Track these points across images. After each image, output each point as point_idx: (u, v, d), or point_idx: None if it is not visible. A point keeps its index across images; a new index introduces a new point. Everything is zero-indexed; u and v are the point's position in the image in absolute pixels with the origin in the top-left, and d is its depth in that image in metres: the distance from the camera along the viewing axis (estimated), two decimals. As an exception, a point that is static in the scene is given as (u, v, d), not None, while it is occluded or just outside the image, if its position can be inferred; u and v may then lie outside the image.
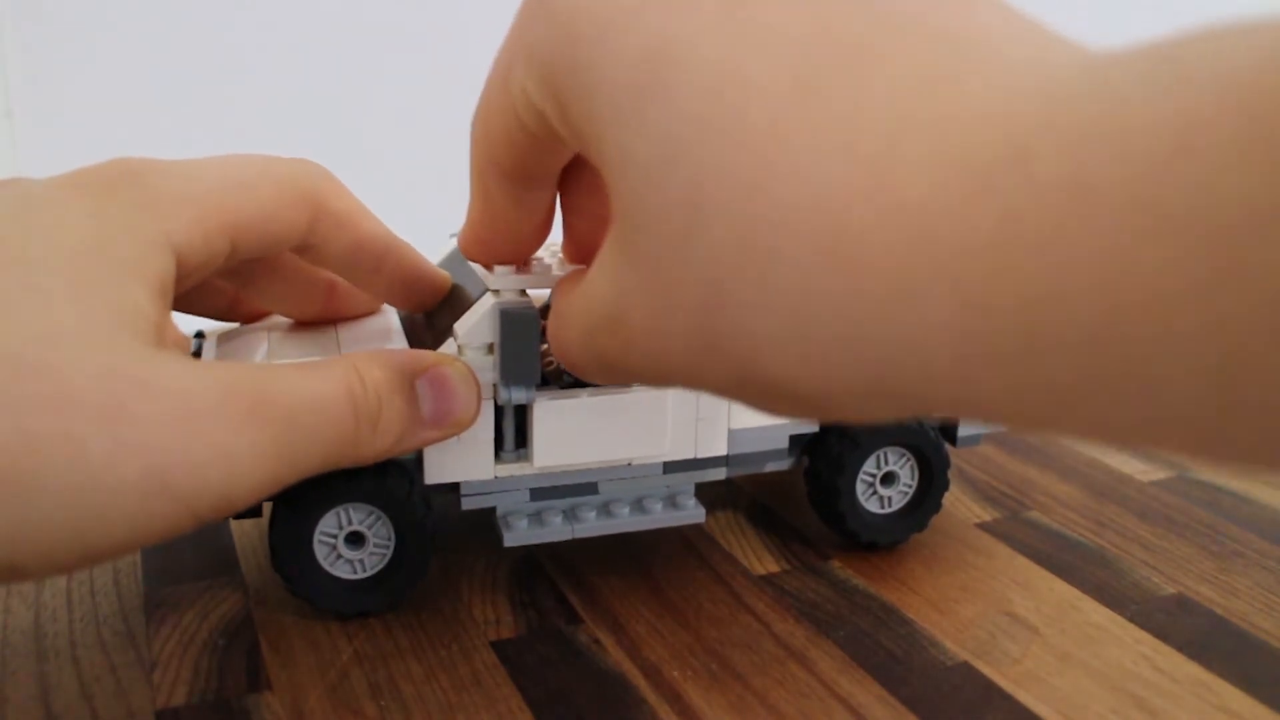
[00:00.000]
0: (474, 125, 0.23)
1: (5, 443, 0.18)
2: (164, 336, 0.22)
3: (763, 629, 0.30)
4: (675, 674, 0.28)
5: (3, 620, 0.29)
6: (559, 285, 0.23)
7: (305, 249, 0.27)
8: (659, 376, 0.19)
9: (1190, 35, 0.12)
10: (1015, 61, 0.14)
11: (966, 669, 0.28)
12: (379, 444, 0.24)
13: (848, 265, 0.14)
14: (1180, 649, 0.29)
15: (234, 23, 0.63)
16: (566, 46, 0.18)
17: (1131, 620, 0.31)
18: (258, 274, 0.29)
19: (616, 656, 0.29)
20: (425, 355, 0.26)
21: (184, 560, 0.33)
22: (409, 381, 0.25)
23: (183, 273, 0.23)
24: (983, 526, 0.36)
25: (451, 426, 0.25)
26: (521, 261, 0.28)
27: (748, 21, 0.16)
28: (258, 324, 0.32)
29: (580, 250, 0.27)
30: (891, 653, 0.29)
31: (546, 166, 0.23)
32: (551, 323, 0.23)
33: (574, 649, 0.29)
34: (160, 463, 0.19)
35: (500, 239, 0.25)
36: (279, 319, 0.32)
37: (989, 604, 0.32)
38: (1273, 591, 0.32)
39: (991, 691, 0.28)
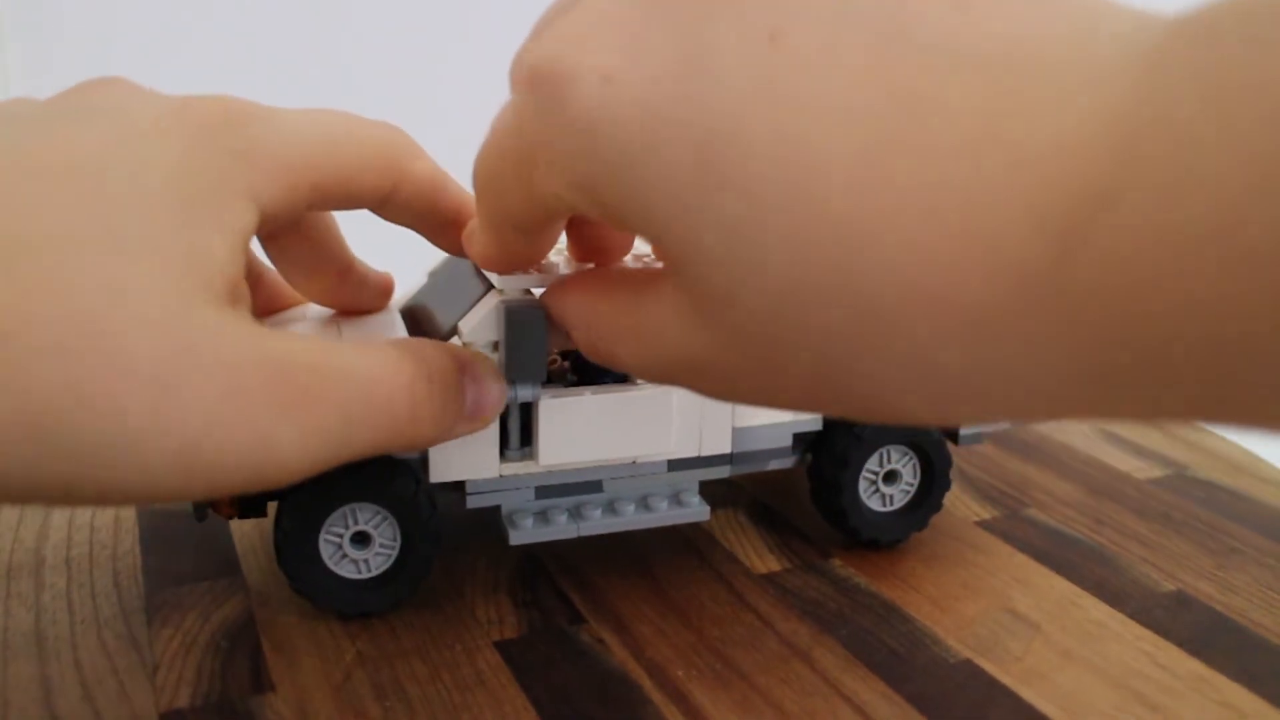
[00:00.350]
0: (482, 183, 0.22)
1: (51, 389, 0.18)
2: (236, 290, 0.21)
3: (765, 628, 0.30)
4: (679, 673, 0.28)
5: (3, 622, 0.29)
6: (583, 285, 0.23)
7: (381, 208, 0.26)
8: (741, 401, 0.20)
9: (1226, 47, 0.12)
10: (1070, 85, 0.14)
11: (969, 666, 0.29)
12: (431, 434, 0.23)
13: (968, 332, 0.15)
14: (1181, 645, 0.30)
15: (235, 23, 0.63)
16: (607, 158, 0.17)
17: (1132, 617, 0.31)
18: (287, 230, 0.28)
19: (620, 656, 0.29)
20: (467, 350, 0.26)
21: (184, 561, 0.32)
22: (463, 375, 0.24)
23: (261, 226, 0.23)
24: (982, 524, 0.36)
25: (481, 423, 0.25)
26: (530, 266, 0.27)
27: (789, 90, 0.15)
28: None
29: (588, 253, 0.27)
30: (894, 650, 0.29)
31: (564, 217, 0.22)
32: (590, 326, 0.23)
33: (577, 649, 0.29)
34: (195, 442, 0.19)
35: (513, 265, 0.25)
36: (281, 315, 0.32)
37: (990, 601, 0.32)
38: (1271, 588, 0.33)
39: (995, 689, 0.28)
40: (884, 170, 0.14)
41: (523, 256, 0.24)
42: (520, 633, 0.30)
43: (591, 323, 0.23)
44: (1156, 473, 0.41)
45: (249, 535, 0.34)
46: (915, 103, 0.15)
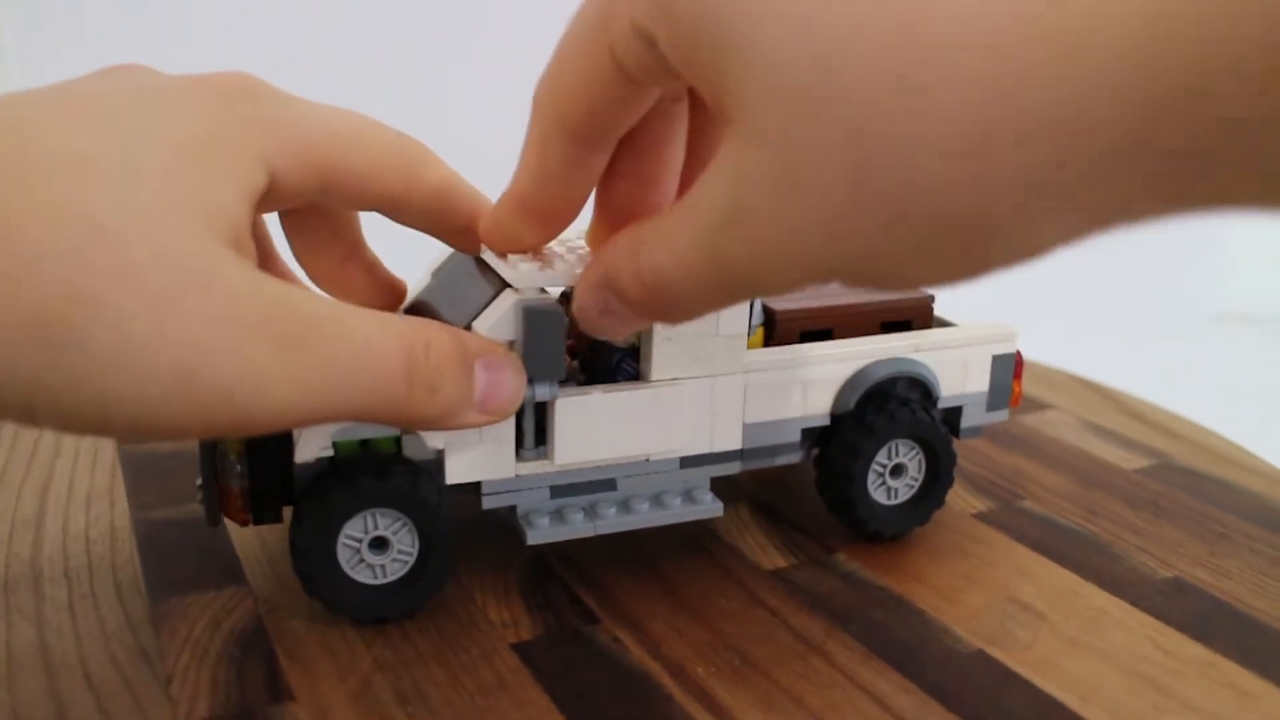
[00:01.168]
0: (542, 85, 0.23)
1: (61, 294, 0.19)
2: (241, 240, 0.22)
3: (779, 623, 0.30)
4: (699, 670, 0.28)
5: (5, 636, 0.28)
6: (624, 229, 0.23)
7: (395, 213, 0.27)
8: (788, 263, 0.19)
9: None
10: None
11: (982, 656, 0.29)
12: (431, 411, 0.23)
13: (1010, 85, 0.15)
14: (1182, 630, 0.30)
15: (236, 23, 0.62)
16: None
17: (1132, 604, 0.32)
18: (303, 206, 0.28)
19: (638, 655, 0.29)
20: (484, 339, 0.25)
21: (186, 570, 0.32)
22: (470, 360, 0.24)
23: (271, 194, 0.24)
24: (979, 516, 0.37)
25: (495, 414, 0.25)
26: (553, 237, 0.27)
27: None
28: None
29: (610, 226, 0.27)
30: (908, 643, 0.30)
31: (619, 121, 0.23)
32: (634, 251, 0.22)
33: (595, 649, 0.29)
34: (192, 361, 0.19)
35: (548, 204, 0.25)
36: None
37: (994, 592, 0.32)
38: (1263, 573, 0.34)
39: (1009, 678, 0.28)
40: None
41: (560, 190, 0.24)
42: (536, 634, 0.30)
43: (636, 247, 0.22)
44: (1142, 462, 0.42)
45: (249, 543, 0.34)
46: None
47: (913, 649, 0.29)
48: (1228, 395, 1.20)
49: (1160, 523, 0.37)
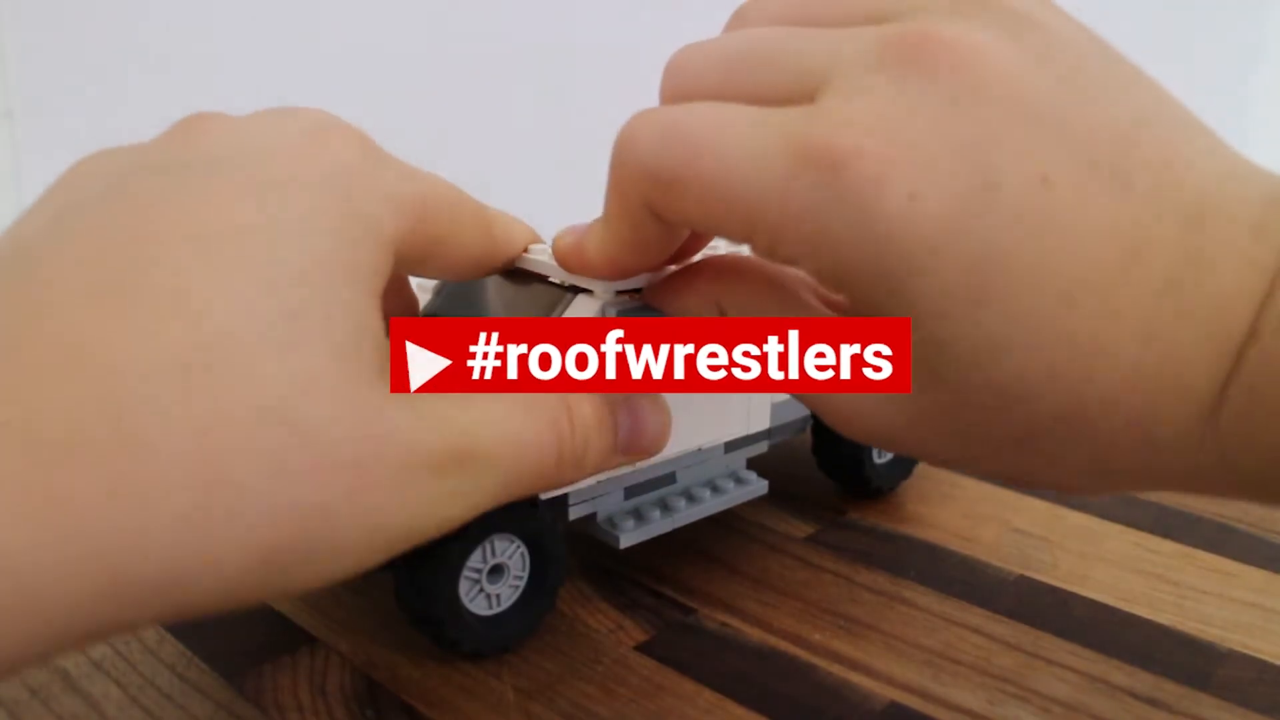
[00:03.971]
0: (643, 177, 0.21)
1: (283, 517, 0.18)
2: (383, 355, 0.20)
3: (849, 582, 0.33)
4: (816, 636, 0.30)
5: (79, 750, 0.24)
6: (721, 269, 0.24)
7: (469, 273, 0.26)
8: (918, 450, 0.22)
9: None
10: (1241, 242, 0.18)
11: (1026, 580, 0.33)
12: (576, 477, 0.23)
13: (1147, 442, 0.18)
14: (1152, 532, 0.36)
15: (236, 23, 0.58)
16: (880, 250, 0.18)
17: (1102, 518, 0.37)
18: None
19: (755, 634, 0.30)
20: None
21: (239, 637, 0.28)
22: (614, 413, 0.24)
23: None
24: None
25: (639, 454, 0.25)
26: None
27: (1051, 226, 0.18)
28: None
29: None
30: (964, 580, 0.33)
31: None
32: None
33: (712, 636, 0.30)
34: (382, 522, 0.19)
35: (641, 266, 0.25)
36: None
37: (998, 525, 0.36)
38: (1172, 476, 0.40)
39: (1058, 593, 0.32)
40: (1114, 302, 0.18)
41: (649, 253, 0.24)
42: (649, 634, 0.30)
43: (727, 307, 0.24)
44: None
45: (286, 600, 0.30)
46: (1136, 248, 0.18)
47: (971, 584, 0.33)
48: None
49: (1073, 448, 0.43)
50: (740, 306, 0.24)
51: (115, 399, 0.16)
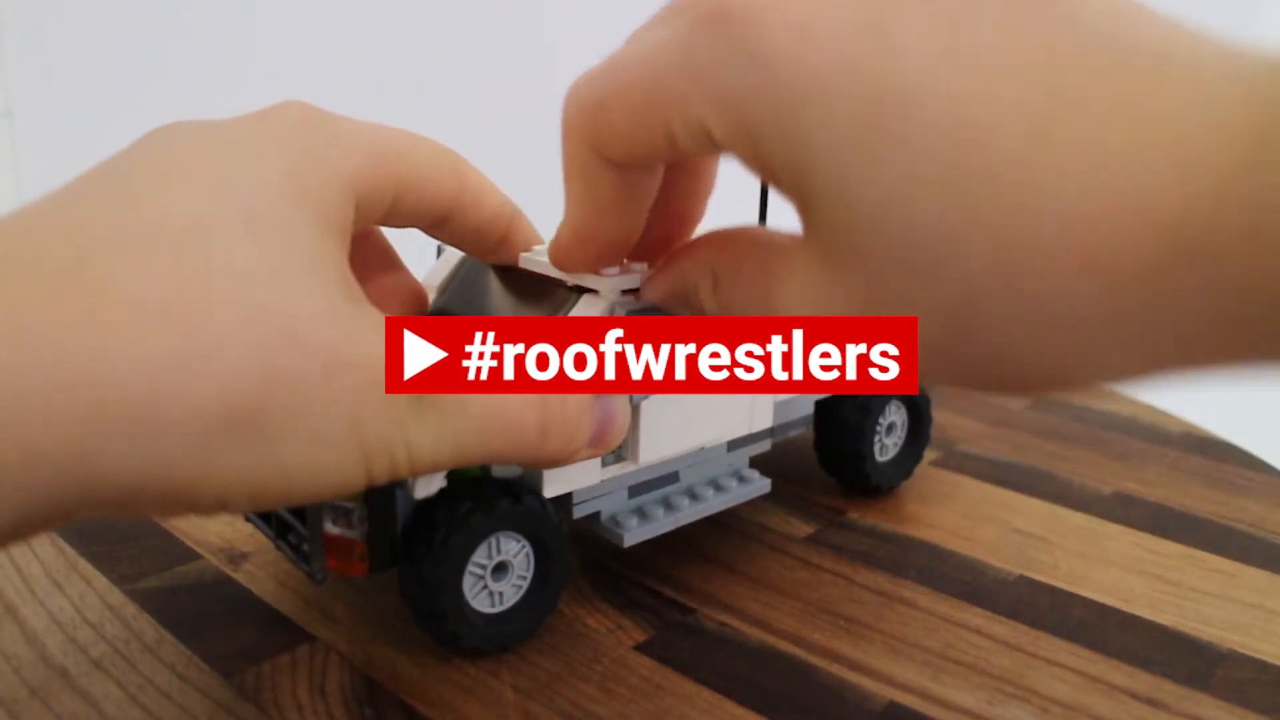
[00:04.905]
0: (579, 113, 0.21)
1: (252, 383, 0.18)
2: (352, 287, 0.21)
3: (848, 582, 0.33)
4: (816, 636, 0.30)
5: (78, 749, 0.24)
6: (710, 241, 0.24)
7: (444, 221, 0.26)
8: None
9: None
10: (1217, 79, 0.16)
11: (1026, 580, 0.33)
12: (556, 454, 0.23)
13: (1116, 284, 0.16)
14: (1152, 532, 0.36)
15: (236, 23, 0.58)
16: (773, 92, 0.18)
17: (1102, 518, 0.37)
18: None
19: (755, 633, 0.30)
20: None
21: (236, 635, 0.28)
22: (596, 403, 0.24)
23: (356, 218, 0.23)
24: (937, 464, 0.41)
25: (603, 448, 0.25)
26: (622, 257, 0.27)
27: (968, 62, 0.17)
28: None
29: (648, 250, 0.27)
30: (964, 580, 0.33)
31: (661, 163, 0.23)
32: (719, 281, 0.23)
33: (712, 636, 0.30)
34: (358, 418, 0.19)
35: (607, 230, 0.24)
36: None
37: (997, 525, 0.36)
38: (1172, 478, 0.41)
39: (1057, 594, 0.32)
40: (1049, 133, 0.16)
41: (617, 214, 0.24)
42: (649, 634, 0.29)
43: (719, 271, 0.23)
44: (1024, 401, 0.48)
45: (283, 597, 0.30)
46: (1083, 78, 0.17)
47: (970, 584, 0.33)
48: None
49: (1074, 448, 0.43)
50: (733, 271, 0.23)
51: (85, 254, 0.17)
